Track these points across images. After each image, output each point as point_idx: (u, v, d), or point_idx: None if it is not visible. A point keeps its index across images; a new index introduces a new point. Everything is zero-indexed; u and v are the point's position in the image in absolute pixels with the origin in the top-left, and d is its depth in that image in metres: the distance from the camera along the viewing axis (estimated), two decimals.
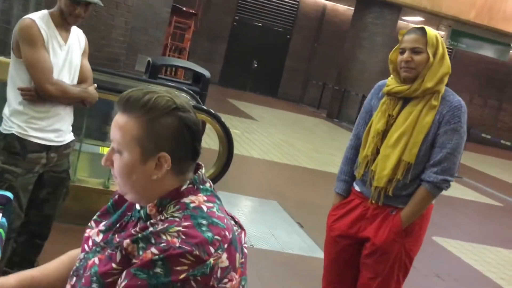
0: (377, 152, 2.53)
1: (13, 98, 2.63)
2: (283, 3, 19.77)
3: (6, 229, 1.72)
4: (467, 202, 8.84)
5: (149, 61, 6.75)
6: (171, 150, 1.26)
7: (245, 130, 10.56)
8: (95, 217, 1.45)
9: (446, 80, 2.52)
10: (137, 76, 7.07)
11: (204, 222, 1.22)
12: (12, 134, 2.61)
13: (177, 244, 1.16)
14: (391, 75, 2.58)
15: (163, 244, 1.17)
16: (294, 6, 19.91)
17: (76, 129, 4.17)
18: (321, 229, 5.16)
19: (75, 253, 1.52)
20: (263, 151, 8.94)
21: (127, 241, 1.22)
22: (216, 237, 1.20)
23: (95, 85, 2.92)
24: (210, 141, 7.28)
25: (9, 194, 1.81)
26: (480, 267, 5.41)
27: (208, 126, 4.69)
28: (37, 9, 3.58)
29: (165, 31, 11.98)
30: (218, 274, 1.20)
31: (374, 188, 2.51)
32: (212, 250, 1.18)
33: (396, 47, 2.54)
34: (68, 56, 2.71)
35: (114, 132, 1.28)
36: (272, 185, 7.01)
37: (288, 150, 9.64)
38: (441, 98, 2.48)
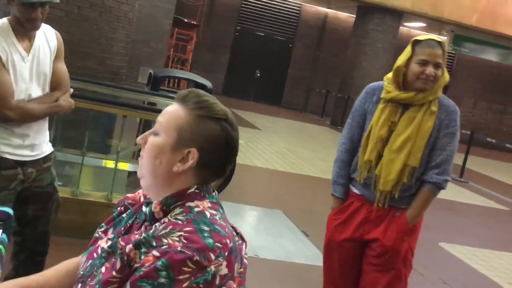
0: (379, 156, 2.61)
1: None
2: (285, 12, 19.81)
3: (6, 245, 1.72)
4: (473, 207, 8.80)
5: (150, 73, 6.77)
6: (202, 151, 1.29)
7: (249, 139, 10.56)
8: (101, 227, 1.45)
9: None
10: (138, 88, 7.09)
11: (206, 228, 1.23)
12: None
13: (179, 248, 1.17)
14: (387, 81, 2.64)
15: (164, 247, 1.18)
16: (296, 14, 19.95)
17: (78, 142, 4.19)
18: None
19: (71, 262, 1.52)
20: (267, 160, 8.93)
21: (130, 246, 1.23)
22: (217, 244, 1.21)
23: (71, 90, 2.70)
24: None
25: (9, 210, 1.81)
26: (488, 272, 5.38)
27: None
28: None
29: (167, 42, 12.02)
30: (217, 281, 1.21)
31: (379, 192, 2.60)
32: (212, 256, 1.19)
33: (407, 54, 2.56)
34: (33, 65, 2.50)
35: (162, 116, 1.34)
36: (276, 194, 7.00)
37: (292, 158, 9.62)
38: (438, 103, 2.60)
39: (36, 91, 2.54)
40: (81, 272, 1.35)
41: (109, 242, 1.35)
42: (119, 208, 1.47)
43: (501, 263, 5.80)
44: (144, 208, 1.36)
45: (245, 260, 1.35)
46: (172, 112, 1.32)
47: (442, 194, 8.97)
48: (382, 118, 2.60)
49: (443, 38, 19.06)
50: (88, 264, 1.34)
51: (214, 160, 1.32)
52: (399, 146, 2.56)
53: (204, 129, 1.30)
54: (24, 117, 2.48)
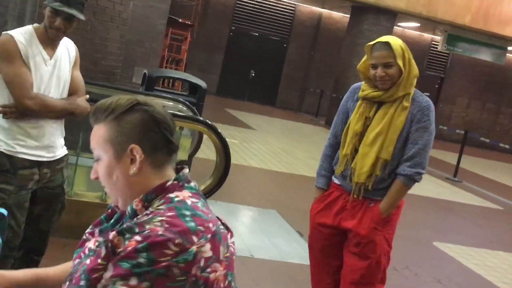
0: (355, 150, 2.77)
1: None
2: (279, 12, 19.83)
3: (1, 246, 1.72)
4: (467, 206, 8.82)
5: (145, 73, 6.77)
6: (141, 141, 1.33)
7: (243, 139, 10.56)
8: (88, 229, 1.47)
9: (414, 82, 2.74)
10: (133, 88, 7.09)
11: (187, 213, 1.26)
12: (1, 152, 2.55)
13: (160, 232, 1.19)
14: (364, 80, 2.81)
15: (146, 232, 1.20)
16: (290, 14, 19.98)
17: (72, 142, 4.17)
18: None
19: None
20: (261, 160, 8.93)
21: (113, 233, 1.25)
22: (199, 227, 1.24)
23: (87, 96, 2.84)
24: (207, 151, 7.28)
25: (3, 211, 1.80)
26: (482, 272, 5.39)
27: (205, 137, 4.69)
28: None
29: (162, 43, 12.02)
30: (202, 263, 1.22)
31: (355, 184, 2.75)
32: (195, 239, 1.21)
33: (364, 59, 2.76)
34: (55, 70, 2.64)
35: (91, 143, 1.37)
36: (271, 194, 7.00)
37: (287, 158, 9.63)
38: (411, 99, 2.71)
39: (54, 94, 2.65)
40: (71, 271, 1.38)
41: (97, 243, 1.37)
42: (108, 211, 1.51)
43: (495, 262, 5.82)
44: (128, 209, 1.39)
45: (231, 248, 1.36)
46: (95, 134, 1.36)
47: (436, 194, 9.01)
48: (357, 114, 2.78)
49: (437, 38, 19.14)
50: (76, 263, 1.37)
51: (156, 141, 1.35)
52: (372, 140, 2.70)
53: (127, 124, 1.33)
54: (43, 109, 2.57)
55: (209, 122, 4.16)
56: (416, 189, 9.22)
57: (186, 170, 1.41)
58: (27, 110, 2.52)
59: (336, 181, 2.89)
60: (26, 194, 2.64)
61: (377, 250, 2.73)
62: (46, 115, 2.61)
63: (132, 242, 1.20)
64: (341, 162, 2.81)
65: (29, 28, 2.61)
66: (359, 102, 2.80)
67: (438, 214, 7.87)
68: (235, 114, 14.56)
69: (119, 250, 1.22)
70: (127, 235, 1.23)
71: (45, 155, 2.66)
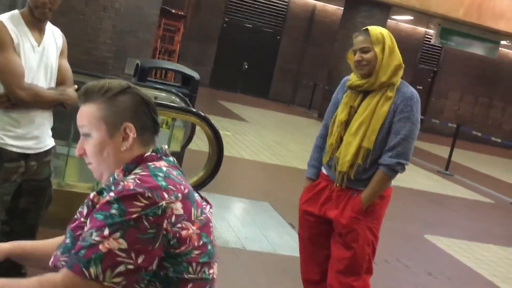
0: (340, 140, 2.80)
1: None
2: (273, 3, 19.76)
3: None
4: (458, 199, 8.86)
5: (137, 64, 6.72)
6: (133, 120, 1.44)
7: (236, 131, 10.55)
8: (80, 209, 1.51)
9: (400, 73, 2.76)
10: (126, 79, 7.03)
11: (161, 174, 1.36)
12: None
13: (131, 187, 1.29)
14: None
15: (119, 188, 1.31)
16: (284, 6, 19.91)
17: (64, 133, 4.15)
18: None
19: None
20: (254, 153, 8.93)
21: (93, 193, 1.41)
22: (171, 186, 1.33)
23: (75, 86, 2.76)
24: (200, 143, 7.26)
25: None
26: (472, 264, 5.42)
27: (197, 128, 4.67)
28: None
29: (154, 33, 11.96)
30: (173, 219, 1.31)
31: (338, 172, 2.78)
32: (165, 195, 1.30)
33: (352, 48, 2.81)
34: (43, 57, 2.56)
35: (80, 120, 1.45)
36: (263, 187, 7.00)
37: (280, 151, 9.63)
38: (396, 90, 2.72)
39: (42, 83, 2.58)
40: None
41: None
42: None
43: (485, 255, 5.86)
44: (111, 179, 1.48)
45: (208, 215, 1.45)
46: (86, 112, 1.44)
47: (428, 187, 9.02)
48: (343, 104, 2.83)
49: (430, 32, 19.15)
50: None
51: (145, 121, 1.46)
52: (356, 129, 2.73)
53: (121, 104, 1.43)
54: (35, 99, 2.51)
55: (202, 114, 4.14)
56: (407, 182, 9.27)
57: (165, 146, 1.51)
58: (18, 100, 2.45)
59: (324, 171, 2.93)
60: (9, 187, 2.57)
61: (359, 240, 2.75)
62: (35, 106, 2.54)
63: (106, 197, 1.30)
64: (327, 152, 2.86)
65: (15, 12, 2.52)
66: (346, 93, 2.85)
67: (430, 207, 7.90)
68: (228, 106, 14.53)
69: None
70: (105, 194, 1.34)
71: (33, 147, 2.59)
